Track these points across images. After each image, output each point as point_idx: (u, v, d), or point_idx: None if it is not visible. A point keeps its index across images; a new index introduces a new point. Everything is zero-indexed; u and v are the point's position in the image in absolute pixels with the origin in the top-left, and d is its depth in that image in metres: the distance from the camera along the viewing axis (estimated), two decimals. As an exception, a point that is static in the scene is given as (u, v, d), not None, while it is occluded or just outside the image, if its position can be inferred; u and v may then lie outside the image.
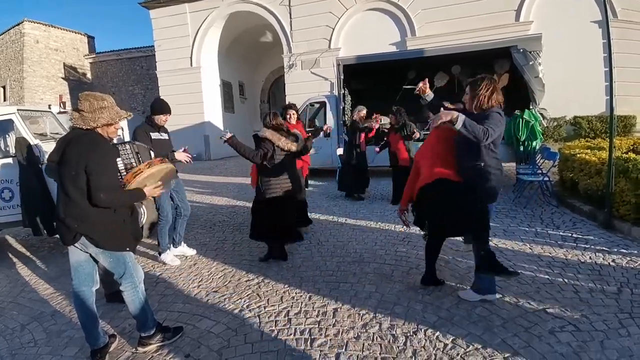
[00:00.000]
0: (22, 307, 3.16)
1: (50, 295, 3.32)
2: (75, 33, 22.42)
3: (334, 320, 2.57)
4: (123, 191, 2.12)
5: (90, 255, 2.20)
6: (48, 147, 4.33)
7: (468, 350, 2.15)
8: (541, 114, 7.19)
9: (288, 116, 4.60)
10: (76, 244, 2.11)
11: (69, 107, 17.34)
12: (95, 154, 2.01)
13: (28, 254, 4.58)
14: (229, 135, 3.41)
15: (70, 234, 2.07)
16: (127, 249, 2.24)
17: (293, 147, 3.55)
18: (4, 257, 4.51)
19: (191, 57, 14.68)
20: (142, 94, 20.71)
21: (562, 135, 10.12)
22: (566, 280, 2.95)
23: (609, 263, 3.22)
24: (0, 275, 3.93)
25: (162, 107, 3.64)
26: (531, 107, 7.05)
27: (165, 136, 3.74)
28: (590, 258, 3.35)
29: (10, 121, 4.32)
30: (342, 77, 8.17)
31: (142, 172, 2.14)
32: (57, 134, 5.00)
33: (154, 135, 3.57)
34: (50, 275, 3.81)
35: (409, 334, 2.34)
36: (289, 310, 2.73)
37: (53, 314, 2.98)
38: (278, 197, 3.53)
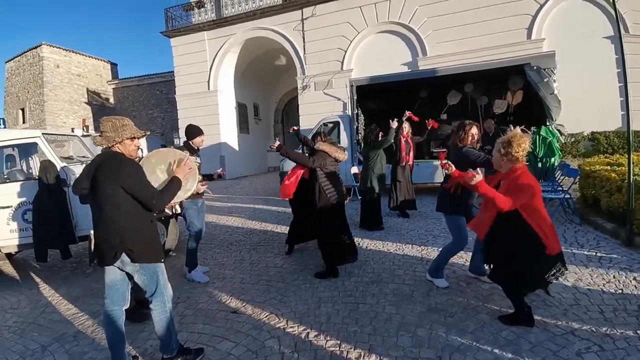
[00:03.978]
0: (44, 328, 3.17)
1: (72, 316, 3.34)
2: (98, 60, 23.54)
3: (355, 342, 2.52)
4: (165, 189, 2.32)
5: (126, 274, 2.28)
6: (75, 169, 4.48)
7: (495, 375, 2.08)
8: (558, 130, 7.10)
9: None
10: (115, 264, 2.19)
11: (92, 131, 18.06)
12: (128, 173, 2.14)
13: (49, 274, 4.63)
14: (277, 143, 3.87)
15: (111, 253, 2.15)
16: (162, 260, 2.36)
17: (344, 156, 3.98)
18: (25, 278, 4.60)
19: (209, 82, 15.19)
20: (161, 117, 21.43)
21: (581, 151, 9.94)
22: (592, 300, 2.87)
23: (630, 281, 3.16)
24: (21, 296, 3.96)
25: (197, 131, 3.94)
26: (548, 124, 6.99)
27: (199, 161, 3.94)
28: (613, 277, 3.27)
29: (35, 144, 4.41)
30: (355, 97, 8.29)
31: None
32: (83, 157, 5.18)
33: (196, 160, 3.84)
34: (72, 295, 3.84)
35: (433, 359, 2.28)
36: (308, 333, 2.70)
37: (75, 335, 2.99)
38: (338, 200, 3.88)
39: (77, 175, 4.08)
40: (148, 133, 2.71)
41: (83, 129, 17.49)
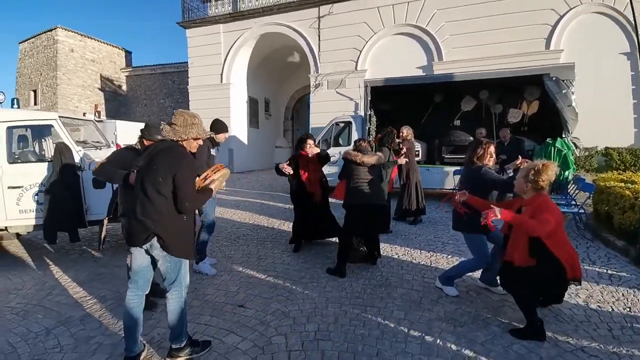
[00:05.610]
0: (49, 310, 3.14)
1: (80, 300, 3.34)
2: (113, 46, 23.68)
3: (363, 345, 2.50)
4: (198, 195, 2.35)
5: (151, 260, 2.31)
6: (90, 154, 4.49)
7: (506, 389, 2.05)
8: (574, 144, 7.01)
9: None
10: (144, 245, 2.21)
11: (103, 117, 18.19)
12: (185, 167, 2.18)
13: (57, 256, 4.63)
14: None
15: (144, 234, 2.18)
16: (192, 258, 2.40)
17: (370, 160, 3.90)
18: (32, 259, 4.59)
19: (222, 74, 15.22)
20: (172, 107, 21.51)
21: (594, 166, 9.82)
22: (601, 318, 2.84)
23: (638, 299, 3.15)
24: (26, 277, 3.93)
25: (223, 127, 4.05)
26: (563, 136, 6.90)
27: (214, 153, 4.04)
28: (622, 295, 3.24)
29: (50, 127, 4.41)
30: (369, 98, 8.25)
31: (210, 177, 2.51)
32: (97, 142, 5.21)
33: (212, 151, 3.97)
34: (80, 279, 3.84)
35: (441, 367, 2.25)
36: (316, 332, 2.68)
37: (82, 318, 2.97)
38: (363, 203, 3.90)
39: (94, 160, 4.11)
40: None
41: (95, 115, 17.65)
